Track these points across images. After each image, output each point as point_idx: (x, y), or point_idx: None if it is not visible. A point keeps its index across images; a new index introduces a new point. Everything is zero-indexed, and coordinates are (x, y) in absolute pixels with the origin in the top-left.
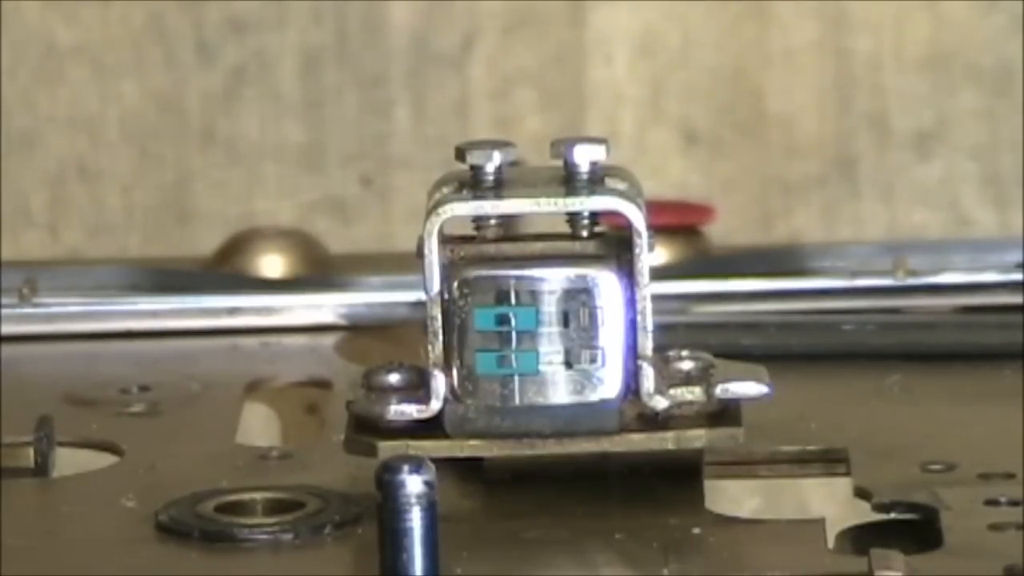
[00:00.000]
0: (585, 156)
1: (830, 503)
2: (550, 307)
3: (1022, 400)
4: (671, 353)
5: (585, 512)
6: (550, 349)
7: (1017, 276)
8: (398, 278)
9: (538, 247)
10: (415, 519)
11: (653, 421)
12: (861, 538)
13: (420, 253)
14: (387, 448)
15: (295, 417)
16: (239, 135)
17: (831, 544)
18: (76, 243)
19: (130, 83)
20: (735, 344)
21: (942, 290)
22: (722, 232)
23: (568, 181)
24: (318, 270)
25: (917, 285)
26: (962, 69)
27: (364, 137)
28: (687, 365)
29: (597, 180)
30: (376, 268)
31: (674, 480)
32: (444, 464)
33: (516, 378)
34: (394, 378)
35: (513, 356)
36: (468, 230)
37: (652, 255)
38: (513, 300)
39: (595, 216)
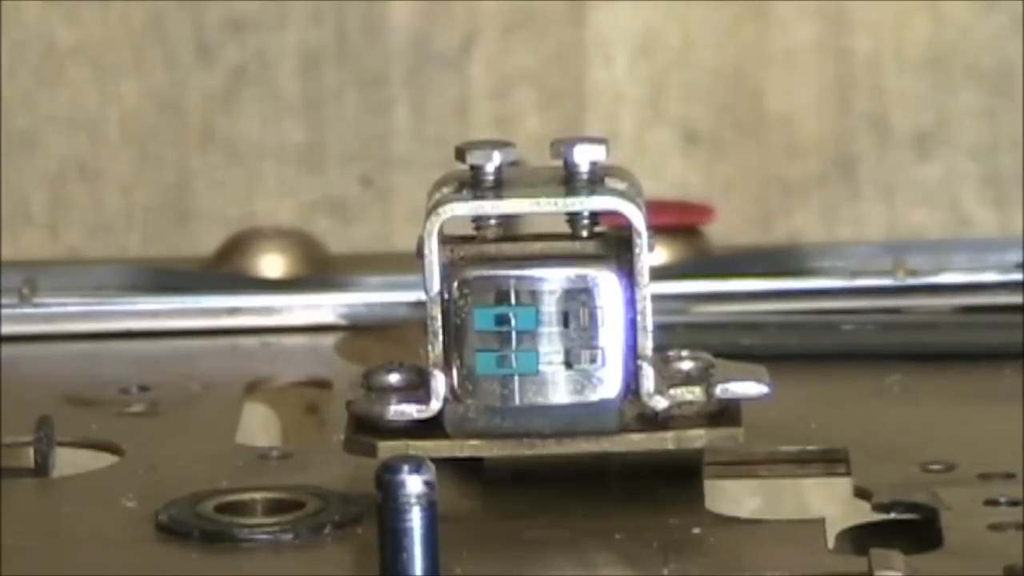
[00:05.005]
0: (585, 156)
1: (830, 503)
2: (550, 307)
3: (1022, 400)
4: (671, 353)
5: (585, 512)
6: (550, 349)
7: (1017, 276)
8: (398, 278)
9: (538, 247)
10: (415, 519)
11: (653, 421)
12: (861, 538)
13: (420, 253)
14: (387, 448)
15: (295, 417)
16: (239, 135)
17: (831, 544)
18: (76, 243)
19: (130, 83)
20: (735, 344)
21: (942, 290)
22: (722, 232)
23: (568, 181)
24: (318, 270)
25: (917, 285)
26: (962, 69)
27: (364, 137)
28: (687, 365)
29: (597, 180)
30: (376, 268)
31: (674, 480)
32: (444, 464)
33: (516, 378)
34: (394, 378)
35: (513, 356)
36: (468, 230)
37: (652, 255)
38: (513, 300)
39: (595, 216)
